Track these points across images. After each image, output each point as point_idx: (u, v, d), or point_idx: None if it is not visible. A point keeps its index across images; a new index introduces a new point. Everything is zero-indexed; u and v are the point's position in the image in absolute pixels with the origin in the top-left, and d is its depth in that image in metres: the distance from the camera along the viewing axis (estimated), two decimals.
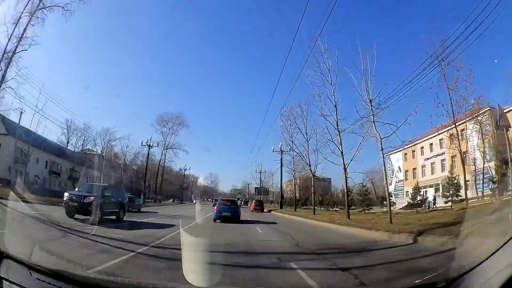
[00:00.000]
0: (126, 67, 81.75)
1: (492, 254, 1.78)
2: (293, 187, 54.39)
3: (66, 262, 3.95)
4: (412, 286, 2.67)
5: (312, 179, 26.47)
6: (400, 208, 28.63)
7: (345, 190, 18.37)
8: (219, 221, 14.75)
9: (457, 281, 1.94)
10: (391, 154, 41.52)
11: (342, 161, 17.23)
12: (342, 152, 17.26)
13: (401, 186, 39.29)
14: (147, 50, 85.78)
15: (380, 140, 13.81)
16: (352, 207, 31.92)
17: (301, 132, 25.52)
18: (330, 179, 61.46)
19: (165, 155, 51.70)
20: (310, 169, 24.95)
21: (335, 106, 17.52)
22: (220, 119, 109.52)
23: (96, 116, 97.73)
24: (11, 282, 1.99)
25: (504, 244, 1.74)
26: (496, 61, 17.43)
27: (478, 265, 1.84)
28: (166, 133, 50.83)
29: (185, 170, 62.12)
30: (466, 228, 6.42)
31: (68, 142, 43.18)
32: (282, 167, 38.24)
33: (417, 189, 30.71)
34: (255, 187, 63.68)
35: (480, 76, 41.78)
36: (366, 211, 28.72)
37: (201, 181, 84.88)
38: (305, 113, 25.87)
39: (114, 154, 46.71)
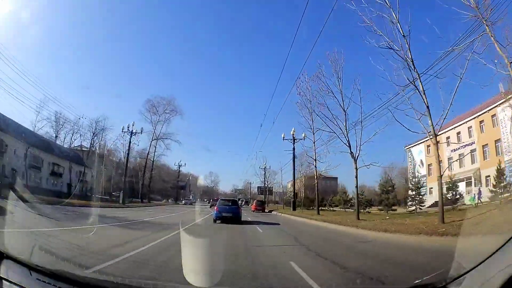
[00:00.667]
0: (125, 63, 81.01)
1: (492, 254, 1.87)
2: (303, 184, 53.89)
3: None
4: (412, 286, 2.77)
5: (355, 166, 18.60)
6: (428, 206, 28.15)
7: (439, 174, 12.21)
8: (219, 221, 14.94)
9: (457, 280, 2.04)
10: (412, 146, 40.95)
11: (429, 122, 12.13)
12: (428, 107, 11.96)
13: (424, 182, 38.66)
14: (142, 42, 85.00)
15: (509, 66, 10.05)
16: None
17: (335, 97, 20.25)
18: (337, 177, 60.00)
19: (156, 146, 47.81)
20: (351, 151, 18.72)
21: (404, 36, 12.64)
22: (220, 114, 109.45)
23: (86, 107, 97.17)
24: (11, 282, 2.12)
25: (504, 244, 1.83)
26: (496, 60, 16.04)
27: (478, 265, 1.94)
28: (156, 121, 46.83)
29: (180, 166, 58.81)
30: None
31: (56, 136, 41.90)
32: (295, 159, 34.99)
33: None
34: (258, 186, 63.76)
35: None
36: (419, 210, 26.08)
37: (201, 181, 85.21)
38: (340, 72, 20.69)
39: (108, 150, 45.54)
